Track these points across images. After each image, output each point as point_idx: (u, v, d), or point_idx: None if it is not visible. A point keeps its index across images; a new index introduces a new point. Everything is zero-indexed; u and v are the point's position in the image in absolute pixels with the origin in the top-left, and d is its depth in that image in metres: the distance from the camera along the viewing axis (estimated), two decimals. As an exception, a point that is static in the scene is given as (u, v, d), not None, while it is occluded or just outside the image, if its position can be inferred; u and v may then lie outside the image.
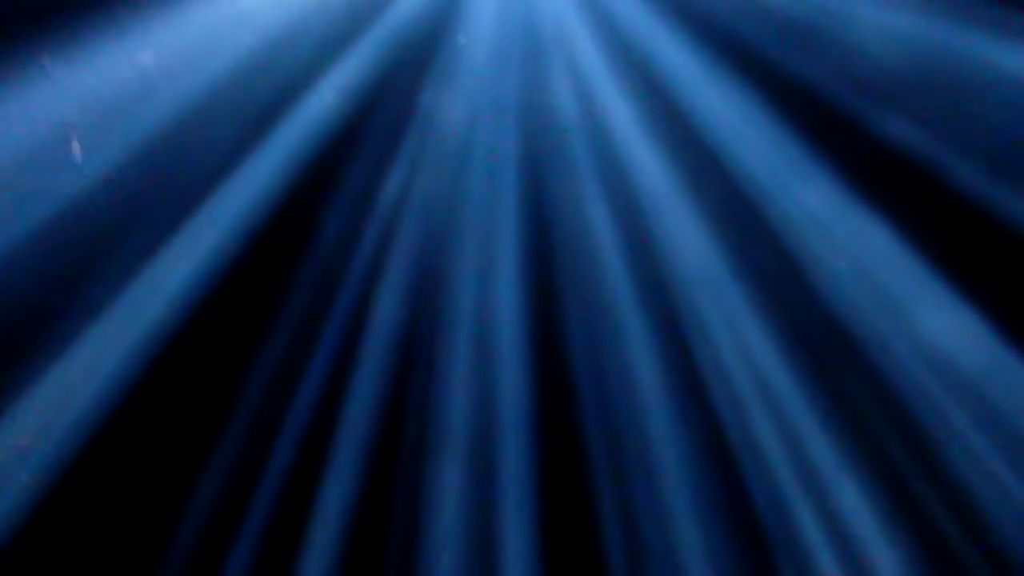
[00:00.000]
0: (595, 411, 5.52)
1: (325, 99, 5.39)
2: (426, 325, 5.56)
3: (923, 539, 5.27)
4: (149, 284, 5.21)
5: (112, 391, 5.14)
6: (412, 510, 5.48)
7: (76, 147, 4.96)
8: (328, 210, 5.50)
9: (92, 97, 5.06)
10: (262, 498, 5.38)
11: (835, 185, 5.29)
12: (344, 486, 5.44)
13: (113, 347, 5.17)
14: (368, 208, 5.53)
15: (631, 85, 5.48)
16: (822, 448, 5.36)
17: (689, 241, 5.47)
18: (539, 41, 5.53)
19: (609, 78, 5.49)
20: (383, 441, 5.50)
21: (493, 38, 5.52)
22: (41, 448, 5.05)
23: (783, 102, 5.31)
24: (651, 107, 5.47)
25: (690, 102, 5.44)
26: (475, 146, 5.56)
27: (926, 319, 5.25)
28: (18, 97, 4.93)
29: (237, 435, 5.33)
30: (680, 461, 5.46)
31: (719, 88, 5.39)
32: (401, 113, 5.52)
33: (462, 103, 5.54)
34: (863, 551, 5.33)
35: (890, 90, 5.25)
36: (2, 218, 4.98)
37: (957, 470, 5.22)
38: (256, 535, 5.35)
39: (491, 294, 5.58)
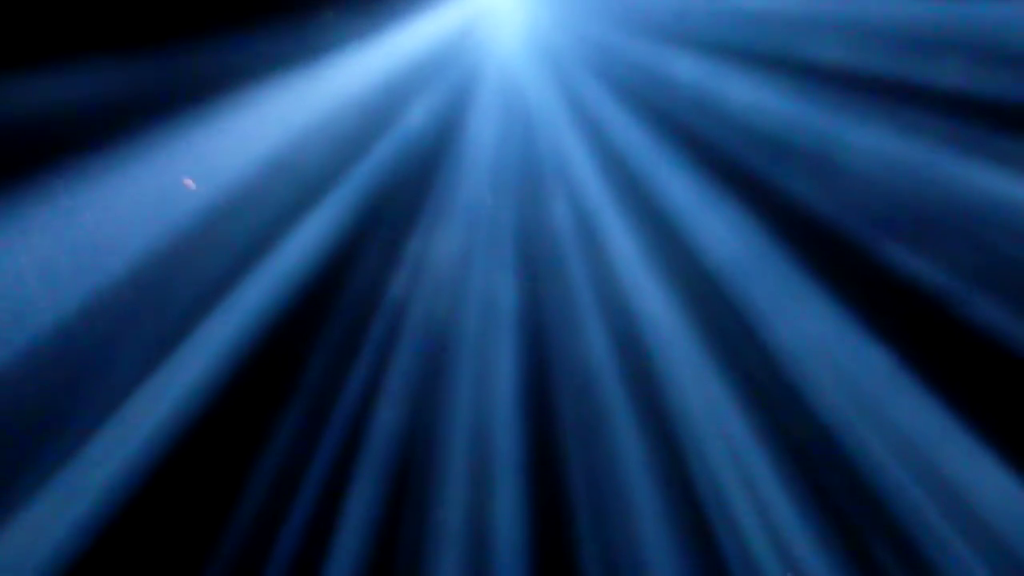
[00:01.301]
0: (590, 528, 5.52)
1: (324, 222, 5.49)
2: (422, 446, 5.58)
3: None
4: (147, 399, 5.28)
5: (111, 501, 5.18)
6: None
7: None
8: (326, 331, 5.55)
9: (101, 218, 5.20)
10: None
11: (831, 309, 5.36)
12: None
13: (114, 455, 5.22)
14: (365, 332, 5.58)
15: (631, 211, 5.55)
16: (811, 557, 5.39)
17: (686, 364, 5.49)
18: (538, 167, 5.62)
19: (609, 204, 5.56)
20: (379, 556, 5.52)
21: (492, 164, 5.63)
22: (42, 551, 5.08)
23: (783, 229, 5.38)
24: (651, 233, 5.52)
25: (690, 228, 5.50)
26: (473, 270, 5.64)
27: (911, 429, 5.32)
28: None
29: (234, 547, 5.35)
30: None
31: (719, 215, 5.46)
32: (399, 239, 5.60)
33: (460, 230, 5.62)
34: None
35: (892, 219, 5.33)
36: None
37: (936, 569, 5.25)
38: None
39: (488, 413, 5.58)
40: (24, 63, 5.12)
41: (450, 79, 5.56)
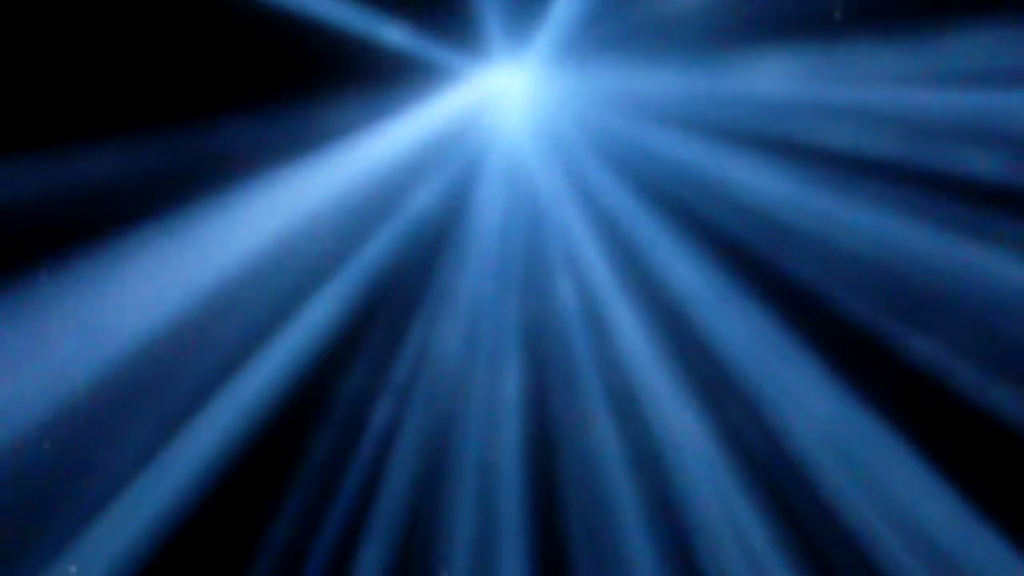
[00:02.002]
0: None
1: (326, 309, 5.46)
2: (424, 537, 5.53)
3: None
4: (153, 477, 5.26)
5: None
6: None
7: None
8: (327, 420, 5.51)
9: (102, 304, 5.18)
10: None
11: (840, 394, 5.34)
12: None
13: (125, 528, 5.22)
14: (367, 420, 5.54)
15: (637, 297, 5.52)
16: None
17: (693, 451, 5.47)
18: (544, 252, 5.60)
19: (615, 290, 5.53)
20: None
21: (497, 250, 5.61)
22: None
23: (791, 313, 5.36)
24: (657, 319, 5.49)
25: (697, 314, 5.47)
26: (477, 357, 5.62)
27: (908, 500, 5.31)
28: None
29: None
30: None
31: (727, 300, 5.43)
32: (402, 326, 5.56)
33: (464, 316, 5.60)
34: None
35: (901, 303, 5.33)
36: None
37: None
38: None
39: (492, 504, 5.54)
40: (24, 147, 5.11)
41: (455, 164, 5.54)
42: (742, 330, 5.44)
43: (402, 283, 5.54)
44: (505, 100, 5.57)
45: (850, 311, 5.35)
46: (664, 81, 5.43)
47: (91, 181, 5.16)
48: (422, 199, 5.51)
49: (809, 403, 5.42)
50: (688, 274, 5.49)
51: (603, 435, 5.55)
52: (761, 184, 5.42)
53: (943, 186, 5.27)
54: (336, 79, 5.28)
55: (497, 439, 5.58)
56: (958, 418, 5.27)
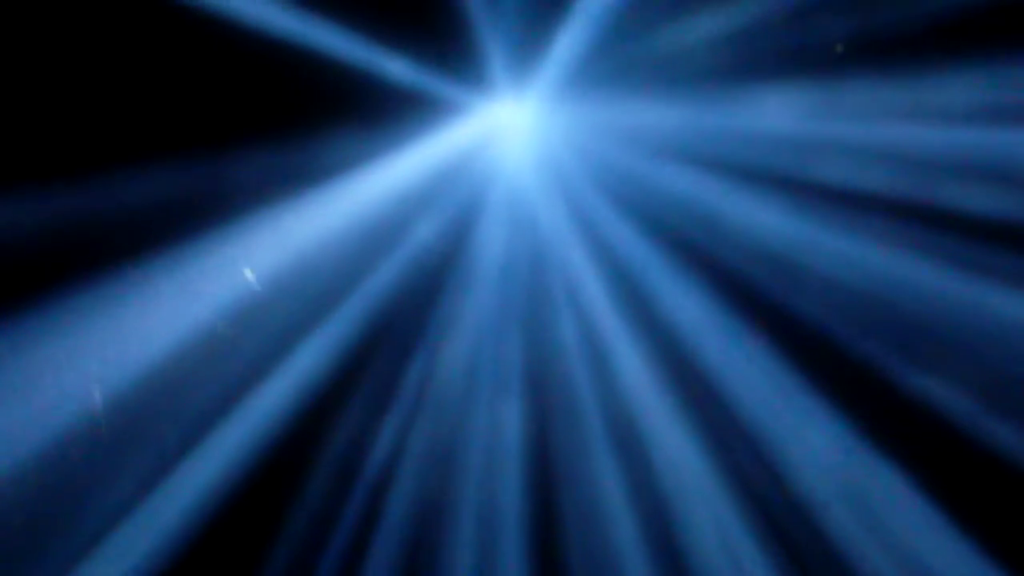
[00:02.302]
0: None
1: (329, 341, 5.48)
2: (426, 562, 5.53)
3: None
4: (151, 512, 5.27)
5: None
6: None
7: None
8: (325, 456, 5.51)
9: (104, 337, 5.21)
10: None
11: (840, 428, 5.33)
12: None
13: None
14: (367, 455, 5.54)
15: (638, 329, 5.52)
16: None
17: (694, 485, 5.44)
18: (546, 285, 5.62)
19: (616, 322, 5.54)
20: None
21: (499, 282, 5.63)
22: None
23: (791, 347, 5.36)
24: (658, 351, 5.49)
25: (699, 347, 5.48)
26: (479, 390, 5.62)
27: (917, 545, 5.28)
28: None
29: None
30: None
31: (728, 333, 5.44)
32: (404, 358, 5.58)
33: (466, 348, 5.61)
34: None
35: (899, 337, 5.32)
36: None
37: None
38: None
39: (493, 542, 5.53)
40: (26, 179, 5.15)
41: (458, 197, 5.58)
42: (744, 365, 5.44)
43: (404, 315, 5.56)
44: (508, 134, 5.62)
45: (852, 347, 5.35)
46: (665, 116, 5.48)
47: (94, 213, 5.20)
48: (425, 231, 5.55)
49: (811, 439, 5.40)
50: (690, 308, 5.51)
51: (605, 473, 5.53)
52: (762, 219, 5.44)
53: (944, 222, 5.28)
54: (342, 112, 5.34)
55: (498, 476, 5.57)
56: (961, 455, 5.25)
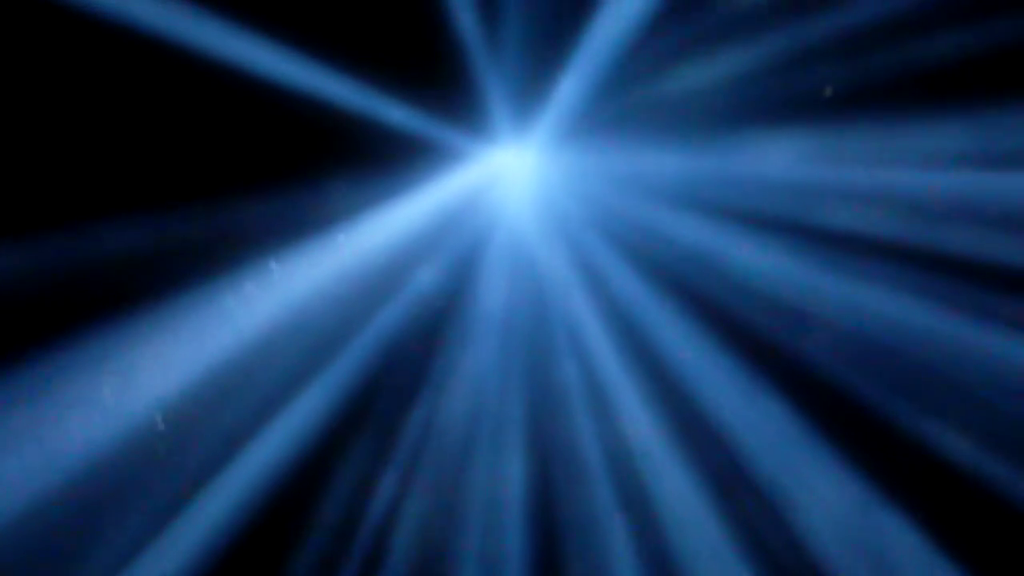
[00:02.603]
0: None
1: (327, 390, 5.47)
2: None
3: None
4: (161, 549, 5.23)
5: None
6: None
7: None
8: (322, 512, 5.49)
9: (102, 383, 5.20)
10: None
11: (848, 476, 5.30)
12: None
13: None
14: (369, 497, 5.51)
15: (642, 375, 5.50)
16: None
17: (698, 533, 5.41)
18: (548, 329, 5.62)
19: (619, 367, 5.53)
20: None
21: (501, 327, 5.62)
22: None
23: (794, 392, 5.35)
24: (662, 398, 5.47)
25: (702, 393, 5.45)
26: (480, 436, 5.60)
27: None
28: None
29: None
30: None
31: (731, 378, 5.43)
32: (406, 403, 5.55)
33: (468, 394, 5.60)
34: None
35: (903, 381, 5.32)
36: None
37: None
38: None
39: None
40: (28, 228, 5.15)
41: (459, 244, 5.58)
42: (751, 413, 5.42)
43: (406, 361, 5.54)
44: (510, 180, 5.64)
45: (859, 392, 5.34)
46: (667, 161, 5.50)
47: (96, 262, 5.19)
48: (426, 278, 5.55)
49: (821, 489, 5.37)
50: (694, 355, 5.49)
51: (609, 525, 5.49)
52: (763, 264, 5.45)
53: (945, 266, 5.30)
54: (344, 159, 5.35)
55: (501, 527, 5.53)
56: (974, 507, 5.23)
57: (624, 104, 5.55)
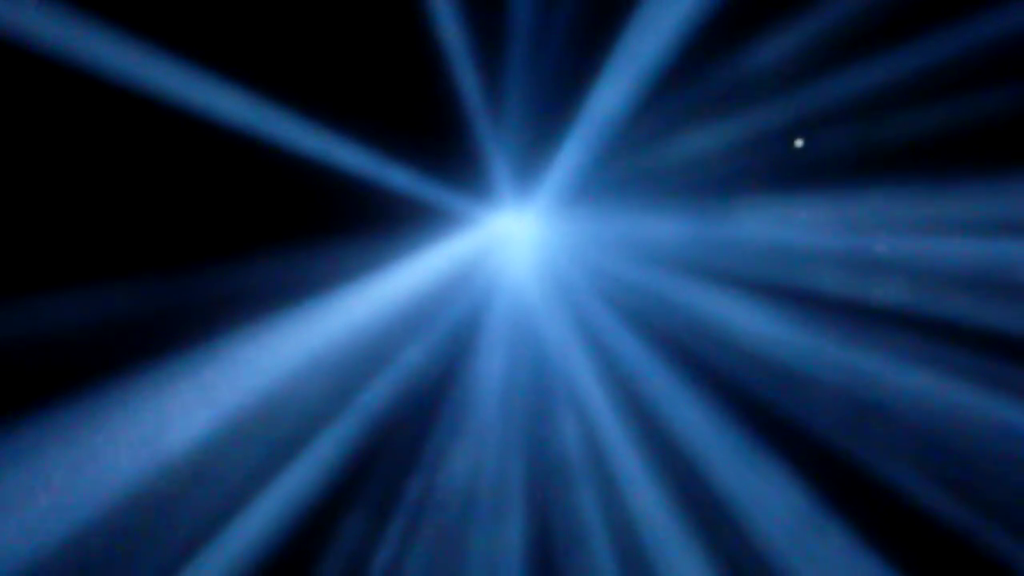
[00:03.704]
0: None
1: (327, 450, 5.47)
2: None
3: None
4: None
5: None
6: None
7: None
8: (324, 568, 5.46)
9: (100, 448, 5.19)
10: None
11: (850, 545, 5.30)
12: None
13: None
14: (369, 558, 5.47)
15: (642, 440, 5.50)
16: None
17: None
18: (548, 394, 5.62)
19: (619, 432, 5.53)
20: None
21: (502, 390, 5.63)
22: None
23: (794, 458, 5.35)
24: (661, 462, 5.47)
25: (702, 457, 5.44)
26: (480, 499, 5.58)
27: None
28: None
29: None
30: None
31: (730, 444, 5.44)
32: (402, 471, 5.55)
33: (469, 457, 5.58)
34: None
35: (906, 449, 5.34)
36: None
37: None
38: None
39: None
40: (24, 291, 5.17)
41: (460, 308, 5.60)
42: (753, 479, 5.42)
43: (406, 426, 5.53)
44: (511, 244, 5.68)
45: (861, 462, 5.34)
46: (666, 228, 5.55)
47: (93, 323, 5.20)
48: (426, 343, 5.57)
49: (824, 558, 5.35)
50: (696, 420, 5.50)
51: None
52: (763, 329, 5.48)
53: (948, 334, 5.32)
54: (346, 222, 5.38)
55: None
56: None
57: (624, 171, 5.61)
